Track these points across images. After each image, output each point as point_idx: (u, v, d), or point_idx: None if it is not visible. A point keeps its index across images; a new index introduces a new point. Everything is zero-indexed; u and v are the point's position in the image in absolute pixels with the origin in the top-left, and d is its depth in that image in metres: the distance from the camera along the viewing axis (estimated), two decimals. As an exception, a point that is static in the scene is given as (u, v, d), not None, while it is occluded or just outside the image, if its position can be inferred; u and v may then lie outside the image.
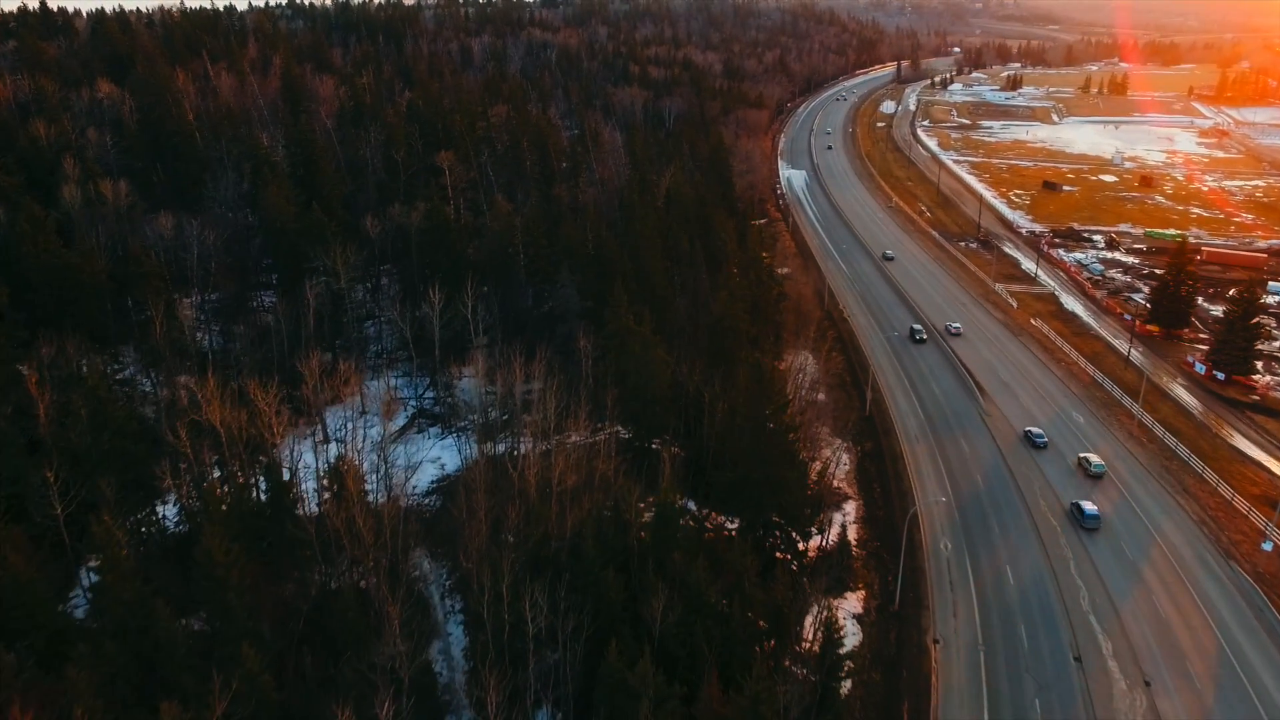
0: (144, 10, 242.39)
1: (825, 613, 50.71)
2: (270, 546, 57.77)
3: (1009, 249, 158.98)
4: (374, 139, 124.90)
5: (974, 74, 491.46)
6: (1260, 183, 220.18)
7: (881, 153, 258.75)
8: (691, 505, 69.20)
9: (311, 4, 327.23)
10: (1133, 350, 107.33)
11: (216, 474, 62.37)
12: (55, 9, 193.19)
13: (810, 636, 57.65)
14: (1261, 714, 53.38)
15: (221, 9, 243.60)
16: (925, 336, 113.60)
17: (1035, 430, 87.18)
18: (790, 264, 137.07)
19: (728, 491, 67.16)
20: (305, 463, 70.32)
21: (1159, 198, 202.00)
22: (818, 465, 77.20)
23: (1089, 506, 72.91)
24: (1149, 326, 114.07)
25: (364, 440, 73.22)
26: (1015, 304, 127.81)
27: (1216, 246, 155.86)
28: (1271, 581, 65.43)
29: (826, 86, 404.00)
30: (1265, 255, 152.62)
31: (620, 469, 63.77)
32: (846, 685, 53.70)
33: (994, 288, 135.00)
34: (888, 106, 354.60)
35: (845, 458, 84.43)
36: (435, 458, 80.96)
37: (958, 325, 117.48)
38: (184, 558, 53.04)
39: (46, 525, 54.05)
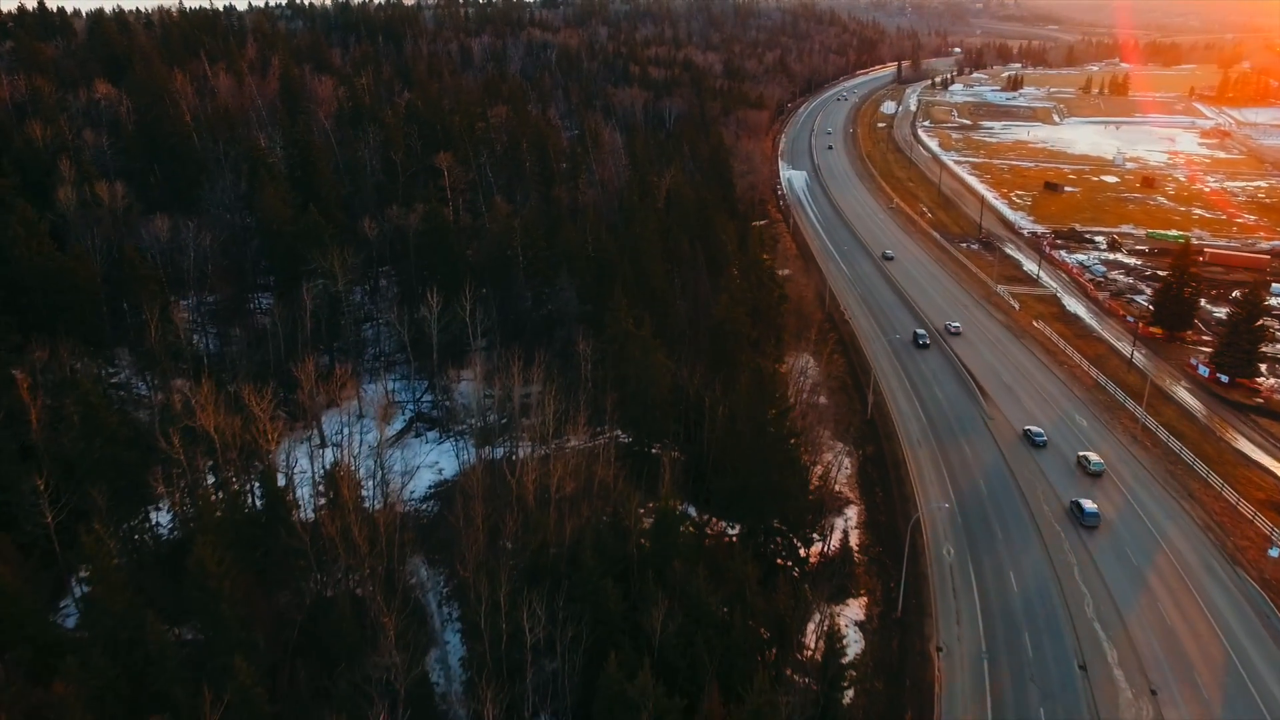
0: (142, 10, 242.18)
1: (827, 621, 50.11)
2: (264, 555, 57.02)
3: (1010, 250, 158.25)
4: (372, 140, 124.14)
5: (975, 74, 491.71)
6: (1262, 184, 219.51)
7: (882, 153, 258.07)
8: (692, 511, 68.42)
9: (311, 4, 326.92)
10: (1135, 352, 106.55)
11: (211, 480, 61.62)
12: (54, 9, 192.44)
13: (812, 645, 57.03)
14: (1270, 724, 52.61)
15: (220, 9, 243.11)
16: (928, 341, 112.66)
17: (1035, 429, 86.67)
18: (791, 265, 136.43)
19: (729, 497, 66.46)
20: (301, 468, 69.68)
21: (1161, 199, 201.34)
22: (819, 469, 76.57)
23: (1088, 505, 72.52)
24: (1152, 329, 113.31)
25: (360, 445, 72.64)
26: (1017, 306, 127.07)
27: (1219, 248, 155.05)
28: (1279, 588, 64.69)
29: (827, 87, 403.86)
30: (1268, 256, 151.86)
31: (619, 474, 63.09)
32: (849, 695, 53.03)
33: (996, 289, 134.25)
34: (888, 107, 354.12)
35: (847, 461, 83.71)
36: (433, 462, 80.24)
37: (957, 325, 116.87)
38: (177, 565, 52.37)
39: (36, 534, 53.37)
